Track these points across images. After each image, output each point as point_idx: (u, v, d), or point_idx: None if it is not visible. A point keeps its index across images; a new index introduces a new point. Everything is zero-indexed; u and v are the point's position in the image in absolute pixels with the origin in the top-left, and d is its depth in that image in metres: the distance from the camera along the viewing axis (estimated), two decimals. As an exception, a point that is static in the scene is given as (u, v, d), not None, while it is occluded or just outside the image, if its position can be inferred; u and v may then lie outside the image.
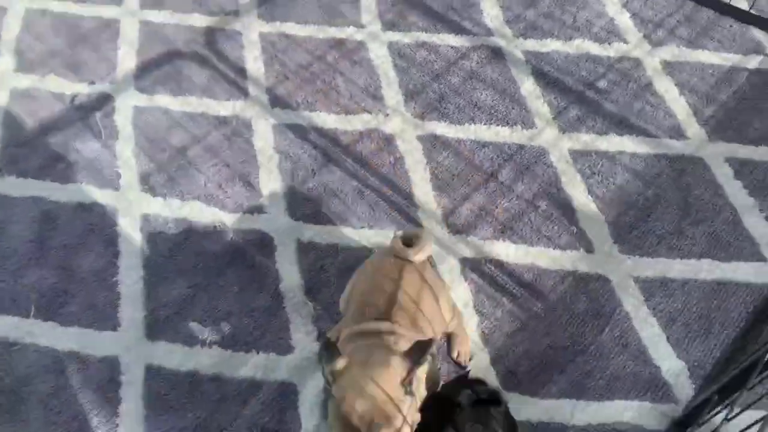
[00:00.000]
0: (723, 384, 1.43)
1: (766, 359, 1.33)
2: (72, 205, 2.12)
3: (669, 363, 1.76)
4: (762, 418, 1.15)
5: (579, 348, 1.80)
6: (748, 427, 1.29)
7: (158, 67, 2.51)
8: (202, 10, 2.70)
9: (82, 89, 2.43)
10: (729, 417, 1.33)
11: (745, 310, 1.86)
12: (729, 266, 1.94)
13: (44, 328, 1.87)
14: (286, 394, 1.74)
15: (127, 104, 2.39)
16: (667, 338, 1.81)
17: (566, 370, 1.76)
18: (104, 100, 2.40)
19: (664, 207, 2.08)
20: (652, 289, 1.91)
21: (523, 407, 1.70)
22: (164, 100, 2.41)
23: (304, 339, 1.83)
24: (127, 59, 2.54)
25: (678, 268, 1.95)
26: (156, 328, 1.85)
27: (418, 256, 1.55)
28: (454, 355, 1.76)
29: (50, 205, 2.13)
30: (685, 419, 1.63)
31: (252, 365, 1.79)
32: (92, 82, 2.46)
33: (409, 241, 1.58)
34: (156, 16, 2.68)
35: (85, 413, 1.72)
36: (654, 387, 1.72)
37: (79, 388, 1.76)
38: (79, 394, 1.75)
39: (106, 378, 1.77)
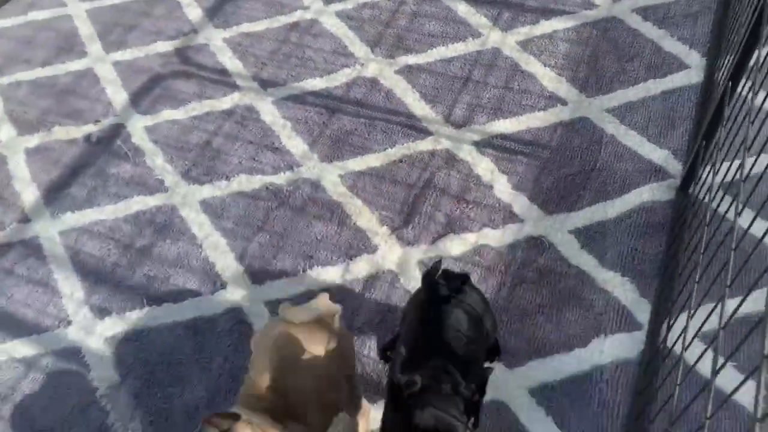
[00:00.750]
0: (703, 134, 1.92)
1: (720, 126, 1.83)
2: (132, 215, 2.36)
3: (656, 154, 2.26)
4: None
5: (588, 168, 2.27)
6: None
7: (148, 91, 2.78)
8: (162, 38, 2.98)
9: (91, 129, 2.66)
10: (715, 169, 1.81)
11: (691, 105, 2.39)
12: (666, 79, 2.48)
13: (159, 310, 2.11)
14: (388, 279, 2.08)
15: (137, 127, 2.64)
16: (648, 140, 2.31)
17: (587, 186, 2.22)
18: (117, 129, 2.64)
19: (603, 57, 2.60)
20: (622, 113, 2.41)
21: (566, 221, 2.13)
22: (168, 113, 2.68)
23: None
24: (117, 95, 2.79)
25: (633, 93, 2.46)
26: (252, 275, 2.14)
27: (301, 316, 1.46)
28: None
29: (111, 222, 2.36)
30: (684, 183, 2.12)
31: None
32: (97, 121, 2.69)
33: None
34: (123, 56, 2.94)
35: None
36: (654, 172, 2.21)
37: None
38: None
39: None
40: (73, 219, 2.39)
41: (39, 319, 2.14)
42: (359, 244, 2.17)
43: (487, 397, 1.80)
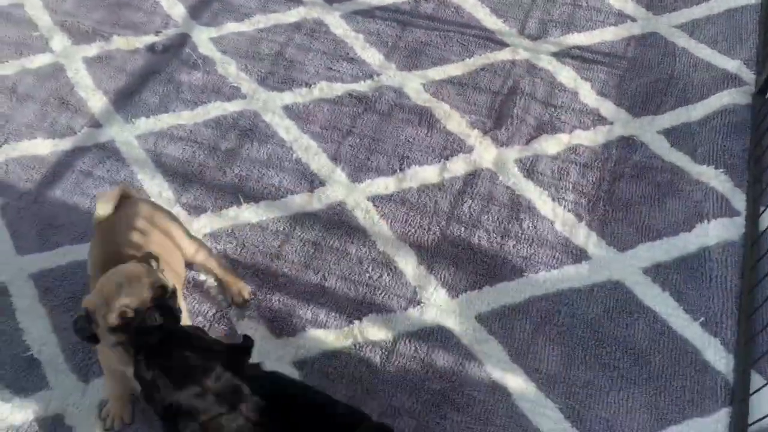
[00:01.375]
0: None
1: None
2: (212, 119, 2.31)
3: (729, 64, 2.36)
4: None
5: (666, 77, 2.35)
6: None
7: (207, 5, 2.71)
8: (213, -45, 2.90)
9: (153, 39, 2.58)
10: None
11: (754, 21, 2.50)
12: (729, -1, 2.59)
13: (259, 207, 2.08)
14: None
15: (202, 38, 2.58)
16: (719, 52, 2.41)
17: (667, 92, 2.30)
18: (183, 39, 2.57)
19: (664, -21, 2.68)
20: (690, 29, 2.50)
21: (653, 123, 2.21)
22: (233, 26, 2.62)
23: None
24: (173, 8, 2.70)
25: (698, 11, 2.56)
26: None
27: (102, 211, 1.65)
28: (231, 300, 1.84)
29: (191, 127, 2.30)
30: (762, 88, 2.23)
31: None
32: (158, 32, 2.61)
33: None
34: (174, -30, 2.84)
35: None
36: (729, 79, 2.31)
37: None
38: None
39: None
40: (148, 124, 2.31)
41: (128, 218, 2.07)
42: (453, 146, 2.19)
43: (602, 277, 1.86)
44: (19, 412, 1.70)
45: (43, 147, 2.27)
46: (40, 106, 2.40)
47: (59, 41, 2.59)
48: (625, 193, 2.04)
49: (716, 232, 1.93)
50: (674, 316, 1.78)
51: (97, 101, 2.39)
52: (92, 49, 2.56)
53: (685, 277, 1.85)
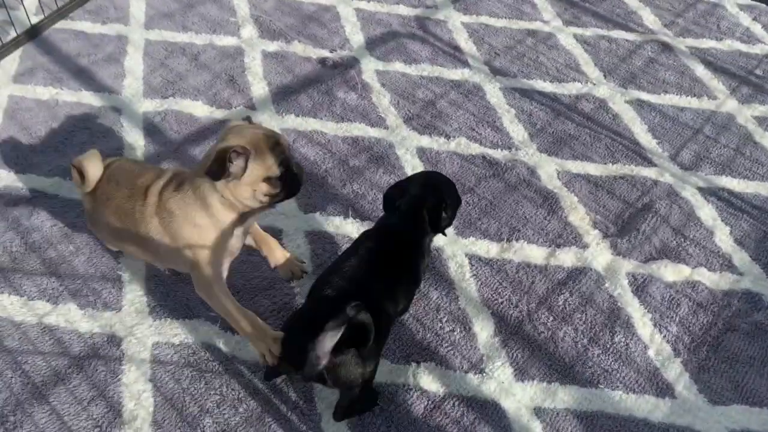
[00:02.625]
0: None
1: None
2: (351, 137, 2.42)
3: None
4: None
5: (817, 251, 2.17)
6: None
7: (384, 42, 2.90)
8: (404, 3, 3.12)
9: (327, 54, 2.78)
10: None
11: None
12: None
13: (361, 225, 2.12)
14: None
15: (370, 67, 2.74)
16: None
17: (813, 265, 2.12)
18: (352, 62, 2.75)
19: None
20: None
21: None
22: (400, 66, 2.77)
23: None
24: (354, 34, 2.91)
25: None
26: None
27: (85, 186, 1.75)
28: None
29: (330, 137, 2.42)
30: None
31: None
32: (334, 50, 2.82)
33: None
34: (366, 5, 3.08)
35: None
36: None
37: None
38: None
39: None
40: (296, 121, 2.47)
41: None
42: (568, 236, 2.14)
43: (682, 421, 1.70)
44: (87, 322, 1.80)
45: (201, 110, 2.49)
46: (211, 77, 2.64)
47: (248, 31, 2.87)
48: (735, 347, 1.87)
49: (827, 426, 1.71)
50: (751, 494, 1.57)
51: (259, 88, 2.60)
52: (273, 46, 2.81)
53: (777, 458, 1.64)
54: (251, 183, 1.55)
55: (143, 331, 1.77)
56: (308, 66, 2.73)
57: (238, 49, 2.78)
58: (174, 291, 1.88)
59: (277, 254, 1.87)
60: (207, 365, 1.72)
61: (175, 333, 1.78)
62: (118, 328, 1.78)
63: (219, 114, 2.48)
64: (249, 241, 1.83)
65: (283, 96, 2.58)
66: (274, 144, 1.57)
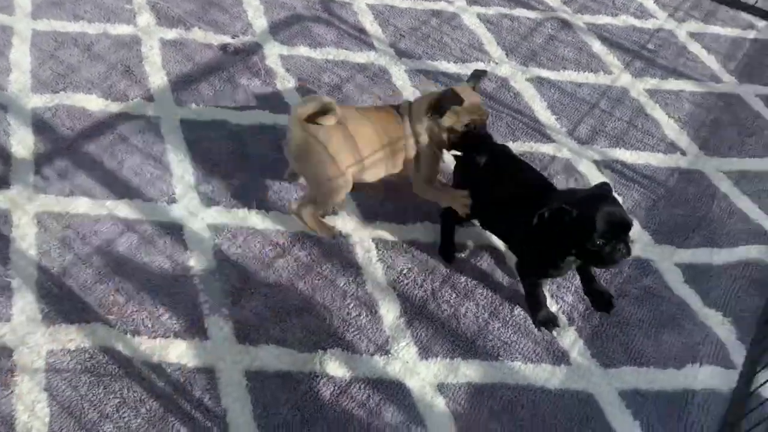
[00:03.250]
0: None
1: None
2: (256, 125, 2.39)
3: (767, 222, 2.32)
4: None
5: (699, 215, 2.32)
6: None
7: (288, 26, 2.85)
8: (309, -14, 3.08)
9: (228, 40, 2.72)
10: None
11: (803, 190, 2.47)
12: (783, 162, 2.57)
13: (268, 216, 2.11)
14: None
15: (273, 52, 2.70)
16: (759, 207, 2.37)
17: (696, 230, 2.26)
18: (255, 48, 2.70)
19: (724, 126, 2.70)
20: (736, 178, 2.48)
21: (674, 254, 2.17)
22: (304, 50, 2.74)
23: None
24: (257, 19, 2.86)
25: (750, 164, 2.54)
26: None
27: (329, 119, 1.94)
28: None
29: (234, 126, 2.38)
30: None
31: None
32: (236, 36, 2.75)
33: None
34: (270, -11, 3.02)
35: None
36: (761, 236, 2.26)
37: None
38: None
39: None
40: (196, 111, 2.41)
41: (146, 189, 2.13)
42: (471, 216, 2.20)
43: (577, 386, 1.80)
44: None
45: (95, 104, 2.39)
46: (106, 68, 2.53)
47: (145, 18, 2.76)
48: (625, 312, 1.99)
49: (705, 378, 1.85)
50: (638, 449, 1.69)
51: (158, 78, 2.51)
52: (171, 33, 2.72)
53: (661, 412, 1.77)
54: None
55: (36, 339, 1.71)
56: (209, 53, 2.66)
57: (135, 38, 2.67)
58: (68, 295, 1.82)
59: None
60: (105, 369, 1.68)
61: (71, 339, 1.72)
62: (9, 338, 1.71)
63: (115, 107, 2.38)
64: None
65: (183, 85, 2.51)
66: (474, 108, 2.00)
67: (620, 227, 1.65)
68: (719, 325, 1.98)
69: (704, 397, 1.80)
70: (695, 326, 1.98)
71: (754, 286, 2.10)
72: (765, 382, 1.71)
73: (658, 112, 2.71)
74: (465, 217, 1.99)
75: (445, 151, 2.09)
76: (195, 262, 1.95)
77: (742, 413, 1.74)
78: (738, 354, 1.92)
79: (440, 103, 1.96)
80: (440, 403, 1.72)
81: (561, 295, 2.01)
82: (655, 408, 1.77)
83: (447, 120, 1.97)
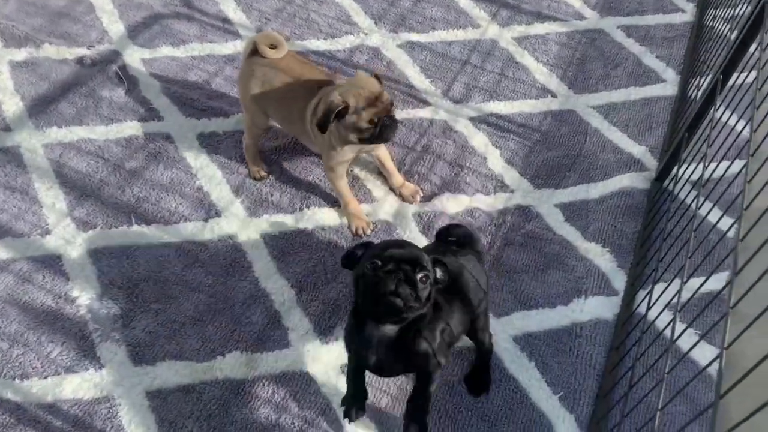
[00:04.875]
0: (686, 128, 2.12)
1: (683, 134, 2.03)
2: (124, 138, 2.31)
3: (635, 149, 2.45)
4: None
5: (574, 154, 2.42)
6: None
7: (147, 27, 2.75)
8: (165, -19, 2.96)
9: (84, 52, 2.59)
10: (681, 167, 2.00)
11: (666, 112, 2.62)
12: (646, 88, 2.70)
13: (149, 230, 2.06)
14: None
15: (134, 58, 2.60)
16: (628, 136, 2.50)
17: (572, 168, 2.37)
18: (113, 56, 2.59)
19: (590, 62, 2.80)
20: (605, 111, 2.60)
21: (553, 196, 2.27)
22: (167, 50, 2.66)
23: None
24: (113, 25, 2.74)
25: (616, 96, 2.66)
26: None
27: (277, 52, 2.07)
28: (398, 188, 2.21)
29: (101, 143, 2.30)
30: (659, 175, 2.31)
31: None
32: (91, 46, 2.63)
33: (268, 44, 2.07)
34: (123, -10, 2.89)
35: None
36: (632, 163, 2.39)
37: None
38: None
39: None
40: (59, 134, 2.31)
41: (14, 224, 2.04)
42: (358, 195, 2.22)
43: (469, 342, 1.88)
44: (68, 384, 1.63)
45: (-54, 143, 2.25)
46: (-46, 102, 2.38)
47: (-11, 42, 2.60)
48: (512, 260, 2.08)
49: (591, 309, 1.96)
50: (535, 387, 1.79)
51: (12, 105, 2.38)
52: (21, 54, 2.57)
53: (554, 350, 1.87)
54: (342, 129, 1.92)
55: None
56: (65, 69, 2.54)
57: (-19, 65, 2.51)
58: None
59: (398, 179, 2.22)
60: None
61: (-46, 397, 1.66)
62: None
63: (-31, 143, 2.25)
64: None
65: (41, 108, 2.39)
66: (371, 101, 1.87)
67: (400, 259, 1.33)
68: (599, 256, 2.10)
69: (591, 328, 1.92)
70: (578, 261, 2.09)
71: (628, 213, 2.23)
72: (642, 300, 1.82)
73: (527, 59, 2.78)
74: (353, 233, 2.05)
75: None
76: (78, 291, 1.90)
77: (625, 335, 1.86)
78: (619, 281, 2.04)
79: (324, 116, 1.85)
80: (343, 383, 1.76)
81: (450, 255, 2.07)
82: (546, 346, 1.87)
83: (347, 120, 1.88)
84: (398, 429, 1.68)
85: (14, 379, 1.71)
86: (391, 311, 1.33)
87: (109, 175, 2.20)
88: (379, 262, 1.32)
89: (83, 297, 1.89)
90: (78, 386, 1.71)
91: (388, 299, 1.30)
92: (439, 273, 1.40)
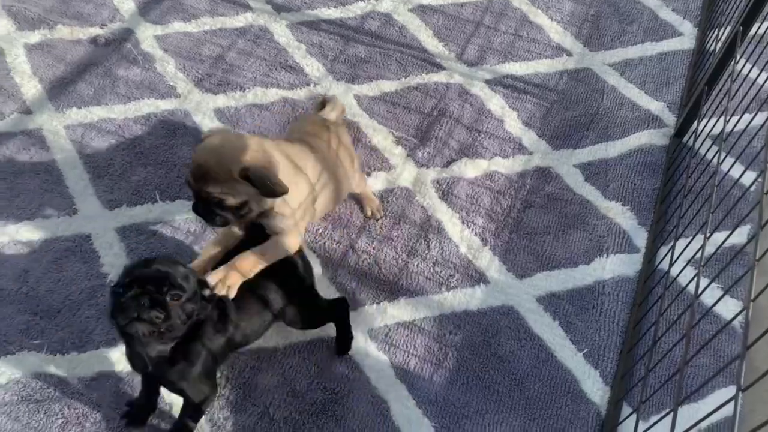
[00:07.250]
0: (706, 81, 2.10)
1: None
2: (143, 116, 2.33)
3: (653, 105, 2.43)
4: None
5: (591, 113, 2.41)
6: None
7: (158, 3, 2.74)
8: (172, -46, 2.93)
9: (98, 32, 2.60)
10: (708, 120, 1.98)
11: (684, 67, 2.58)
12: (662, 43, 2.66)
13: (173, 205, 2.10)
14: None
15: (147, 35, 2.60)
16: (645, 93, 2.48)
17: (590, 127, 2.36)
18: (126, 34, 2.59)
19: (605, 18, 2.76)
20: (621, 68, 2.57)
21: (572, 156, 2.27)
22: (180, 25, 2.65)
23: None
24: (124, 3, 2.73)
25: (632, 52, 2.63)
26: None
27: (333, 114, 2.05)
28: (368, 213, 2.07)
29: (120, 122, 2.32)
30: (679, 131, 2.30)
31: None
32: (104, 25, 2.63)
33: (323, 104, 2.09)
34: (130, -34, 2.87)
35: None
36: (651, 120, 2.38)
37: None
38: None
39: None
40: (80, 115, 2.33)
41: (43, 206, 2.09)
42: (375, 162, 2.23)
43: (497, 301, 1.91)
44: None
45: (-30, 128, 2.28)
46: (-26, 87, 2.41)
47: (3, 26, 2.60)
48: (533, 222, 2.09)
49: (613, 267, 1.98)
50: (560, 345, 1.82)
51: (31, 88, 2.41)
52: (35, 36, 2.58)
53: (577, 308, 1.90)
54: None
55: (-36, 381, 1.71)
56: (80, 50, 2.55)
57: (-3, 49, 2.53)
58: (-11, 331, 1.81)
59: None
60: (42, 394, 1.70)
61: (1, 373, 1.72)
62: (-63, 386, 1.70)
63: (-8, 128, 2.29)
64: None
65: (60, 90, 2.41)
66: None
67: (145, 280, 1.26)
68: (620, 215, 2.11)
69: (613, 286, 1.94)
70: (599, 221, 2.10)
71: (648, 171, 2.23)
72: (663, 257, 1.84)
73: (541, 18, 2.75)
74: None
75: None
76: (109, 268, 1.94)
77: (647, 291, 1.88)
78: (640, 238, 2.06)
79: (260, 185, 1.50)
80: (372, 347, 1.81)
81: (471, 219, 2.09)
82: (570, 305, 1.90)
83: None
84: None
85: (55, 354, 1.77)
86: (140, 337, 1.28)
87: (130, 153, 2.23)
88: (121, 289, 1.25)
89: (114, 274, 1.93)
90: (117, 360, 1.77)
91: (133, 327, 1.24)
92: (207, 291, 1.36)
